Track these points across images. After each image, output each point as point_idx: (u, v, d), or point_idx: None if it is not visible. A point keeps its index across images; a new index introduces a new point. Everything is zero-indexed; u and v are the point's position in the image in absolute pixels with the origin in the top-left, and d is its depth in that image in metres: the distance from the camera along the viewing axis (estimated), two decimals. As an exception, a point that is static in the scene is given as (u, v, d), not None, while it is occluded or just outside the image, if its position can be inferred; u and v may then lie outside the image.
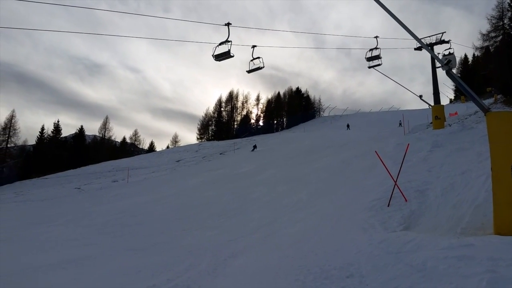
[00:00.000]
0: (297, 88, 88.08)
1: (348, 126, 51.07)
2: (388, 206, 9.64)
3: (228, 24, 13.57)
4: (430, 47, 24.11)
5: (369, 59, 22.58)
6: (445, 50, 25.65)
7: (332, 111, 79.81)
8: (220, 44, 14.33)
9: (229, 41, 14.04)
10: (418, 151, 14.43)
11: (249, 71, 16.50)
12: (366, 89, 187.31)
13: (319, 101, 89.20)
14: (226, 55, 14.47)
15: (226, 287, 6.23)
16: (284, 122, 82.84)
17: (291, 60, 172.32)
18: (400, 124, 37.47)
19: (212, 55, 14.79)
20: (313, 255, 6.99)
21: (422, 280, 4.59)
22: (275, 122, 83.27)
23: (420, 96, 23.55)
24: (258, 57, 16.21)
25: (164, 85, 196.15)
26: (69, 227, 15.17)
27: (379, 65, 22.55)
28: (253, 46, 15.55)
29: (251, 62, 16.30)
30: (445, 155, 13.28)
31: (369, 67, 21.82)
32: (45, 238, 12.98)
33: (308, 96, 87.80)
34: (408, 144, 11.67)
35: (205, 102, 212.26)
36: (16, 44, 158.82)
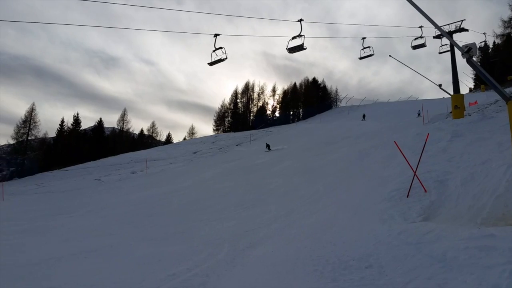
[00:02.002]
0: (314, 79, 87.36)
1: (364, 116, 50.12)
2: (407, 196, 9.54)
3: (300, 20, 14.50)
4: (449, 35, 23.70)
5: (415, 47, 23.04)
6: (480, 42, 25.71)
7: (349, 102, 78.99)
8: (293, 38, 15.11)
9: (301, 35, 14.86)
10: (438, 141, 14.21)
11: (211, 64, 15.37)
12: (382, 79, 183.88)
13: (336, 91, 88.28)
14: (299, 48, 15.35)
15: (245, 277, 6.28)
16: (301, 113, 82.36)
17: (305, 50, 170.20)
18: (419, 114, 36.86)
19: (286, 48, 15.54)
20: (331, 245, 6.98)
21: (442, 271, 4.55)
22: (291, 113, 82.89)
23: (440, 85, 23.14)
24: (220, 47, 14.89)
25: (178, 77, 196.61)
26: (90, 218, 15.49)
27: (447, 51, 23.51)
28: (216, 35, 14.34)
29: (214, 53, 15.00)
30: (465, 145, 13.06)
31: (360, 58, 21.22)
32: (66, 229, 13.28)
33: (325, 87, 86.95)
34: (428, 134, 11.51)
35: (219, 94, 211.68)
36: (32, 38, 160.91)
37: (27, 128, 55.73)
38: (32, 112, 56.79)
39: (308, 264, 6.10)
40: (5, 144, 57.09)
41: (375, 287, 4.73)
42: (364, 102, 75.39)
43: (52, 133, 63.71)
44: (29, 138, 56.14)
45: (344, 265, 5.70)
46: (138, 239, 10.53)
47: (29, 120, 56.14)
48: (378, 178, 12.81)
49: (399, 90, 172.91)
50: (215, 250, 8.09)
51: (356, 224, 8.53)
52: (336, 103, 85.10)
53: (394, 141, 11.73)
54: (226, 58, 15.13)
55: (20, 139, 55.63)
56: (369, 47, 19.95)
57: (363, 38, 19.85)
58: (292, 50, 15.49)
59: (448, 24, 25.64)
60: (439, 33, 22.23)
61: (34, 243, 10.96)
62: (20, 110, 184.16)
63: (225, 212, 13.36)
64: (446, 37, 12.11)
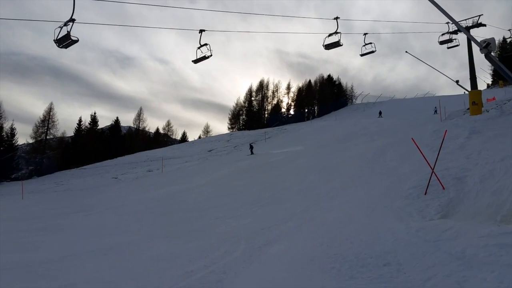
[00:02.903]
0: (329, 76, 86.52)
1: (380, 113, 49.59)
2: (425, 194, 9.46)
3: (336, 18, 14.99)
4: (467, 30, 23.38)
5: (442, 42, 23.09)
6: (508, 38, 25.79)
7: (365, 98, 78.21)
8: (329, 35, 15.43)
9: (338, 32, 15.18)
10: (455, 138, 14.03)
11: (195, 61, 14.83)
12: (398, 75, 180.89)
13: (351, 88, 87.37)
14: (336, 45, 15.67)
15: (262, 274, 6.30)
16: (315, 110, 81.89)
17: (319, 47, 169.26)
18: (436, 111, 36.31)
19: (323, 45, 15.88)
20: (348, 243, 6.96)
21: (461, 268, 4.51)
22: (306, 110, 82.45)
23: (457, 81, 22.90)
24: (206, 44, 14.25)
25: (192, 76, 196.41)
26: (108, 215, 15.71)
27: (456, 45, 23.59)
28: (201, 31, 13.84)
29: (199, 50, 14.39)
30: (483, 142, 12.86)
31: (361, 55, 20.80)
32: (85, 226, 13.50)
33: (340, 84, 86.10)
34: (446, 130, 11.36)
35: (233, 92, 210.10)
36: (49, 38, 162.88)
37: (46, 128, 56.60)
38: (50, 111, 57.65)
39: (325, 262, 6.09)
40: (24, 143, 58.05)
41: (394, 284, 4.71)
42: (380, 99, 74.48)
43: (70, 132, 64.79)
44: (47, 137, 57.02)
45: (362, 262, 5.69)
46: (155, 237, 10.64)
47: (47, 120, 57.00)
48: (395, 175, 12.72)
49: (415, 86, 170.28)
50: (231, 248, 8.12)
51: (373, 221, 8.48)
52: (352, 100, 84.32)
53: (412, 138, 11.62)
54: (211, 55, 14.63)
55: (39, 139, 56.58)
56: (371, 43, 19.55)
57: (365, 34, 19.36)
58: (328, 46, 15.77)
59: (465, 20, 25.26)
60: (456, 28, 21.96)
61: (53, 241, 11.16)
62: (38, 110, 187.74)
63: (241, 209, 13.40)
64: (464, 32, 11.93)
